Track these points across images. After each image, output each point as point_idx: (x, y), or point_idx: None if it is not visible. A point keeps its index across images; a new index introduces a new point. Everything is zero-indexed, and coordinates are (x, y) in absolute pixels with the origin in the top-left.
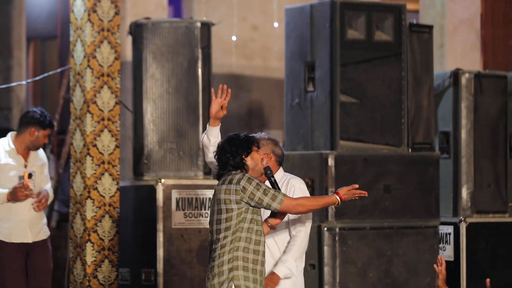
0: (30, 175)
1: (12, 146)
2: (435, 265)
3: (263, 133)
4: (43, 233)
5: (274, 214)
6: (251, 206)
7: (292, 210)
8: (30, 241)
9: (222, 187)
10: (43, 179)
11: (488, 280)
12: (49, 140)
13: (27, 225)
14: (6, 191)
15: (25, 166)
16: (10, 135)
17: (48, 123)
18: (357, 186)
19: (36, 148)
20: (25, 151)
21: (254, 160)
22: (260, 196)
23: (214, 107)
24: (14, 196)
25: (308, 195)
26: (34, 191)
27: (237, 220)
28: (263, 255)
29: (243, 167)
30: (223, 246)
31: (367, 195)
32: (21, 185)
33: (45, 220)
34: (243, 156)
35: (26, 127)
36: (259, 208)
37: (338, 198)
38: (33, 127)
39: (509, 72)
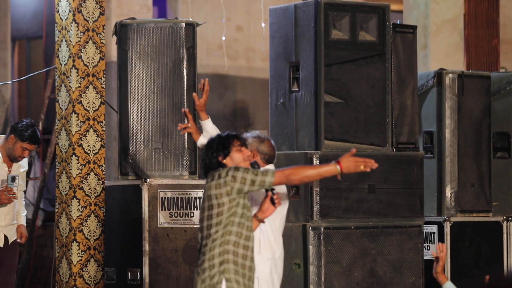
0: (13, 178)
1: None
2: (433, 252)
3: (257, 131)
4: (15, 235)
5: (262, 208)
6: (244, 192)
7: (285, 180)
8: (1, 245)
9: (211, 183)
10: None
11: (487, 277)
12: (29, 154)
13: (1, 231)
14: None
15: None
16: None
17: (28, 136)
18: (355, 151)
19: (13, 159)
20: (6, 158)
21: (234, 160)
22: (251, 177)
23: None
24: None
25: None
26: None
27: (228, 214)
28: (252, 251)
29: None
30: (214, 240)
31: (375, 166)
32: (4, 189)
33: (15, 222)
34: (220, 159)
35: (9, 134)
36: (252, 192)
37: (338, 167)
38: (12, 135)
39: (492, 72)
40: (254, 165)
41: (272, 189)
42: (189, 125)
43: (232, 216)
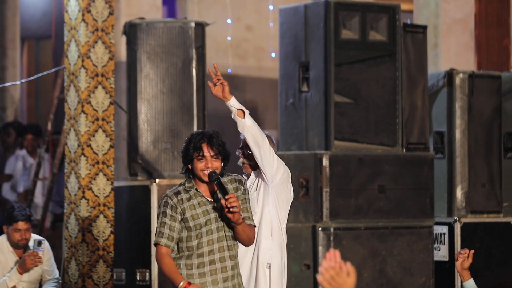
0: (39, 243)
1: (10, 249)
2: (460, 253)
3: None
4: None
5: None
6: None
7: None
8: None
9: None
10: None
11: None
12: (27, 234)
13: None
14: (14, 268)
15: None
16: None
17: (13, 217)
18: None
19: (17, 246)
20: (17, 250)
21: (195, 169)
22: (157, 229)
23: (216, 90)
24: (23, 265)
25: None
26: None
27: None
28: (210, 264)
29: (190, 176)
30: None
31: None
32: (30, 253)
33: None
34: (186, 163)
35: (1, 226)
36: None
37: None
38: (4, 226)
39: (503, 72)
40: (212, 175)
41: (226, 198)
42: (219, 75)
43: (180, 242)
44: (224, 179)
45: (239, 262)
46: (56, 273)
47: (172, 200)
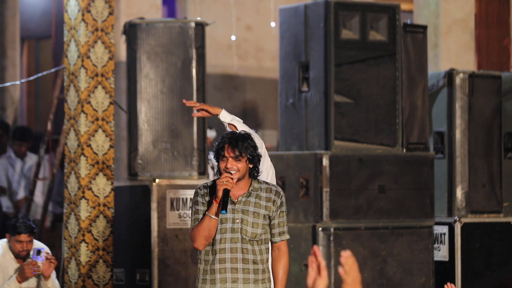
0: (39, 252)
1: (11, 255)
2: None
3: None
4: None
5: None
6: None
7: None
8: None
9: None
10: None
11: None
12: (29, 245)
13: None
14: (13, 276)
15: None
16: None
17: (16, 227)
18: None
19: (17, 256)
20: (17, 259)
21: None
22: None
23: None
24: (22, 274)
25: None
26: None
27: None
28: (220, 262)
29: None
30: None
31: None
32: (29, 262)
33: None
34: (218, 163)
35: (6, 234)
36: None
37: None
38: (7, 234)
39: (503, 72)
40: (227, 193)
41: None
42: (197, 104)
43: None
44: (258, 186)
45: None
46: (56, 284)
47: (200, 190)
